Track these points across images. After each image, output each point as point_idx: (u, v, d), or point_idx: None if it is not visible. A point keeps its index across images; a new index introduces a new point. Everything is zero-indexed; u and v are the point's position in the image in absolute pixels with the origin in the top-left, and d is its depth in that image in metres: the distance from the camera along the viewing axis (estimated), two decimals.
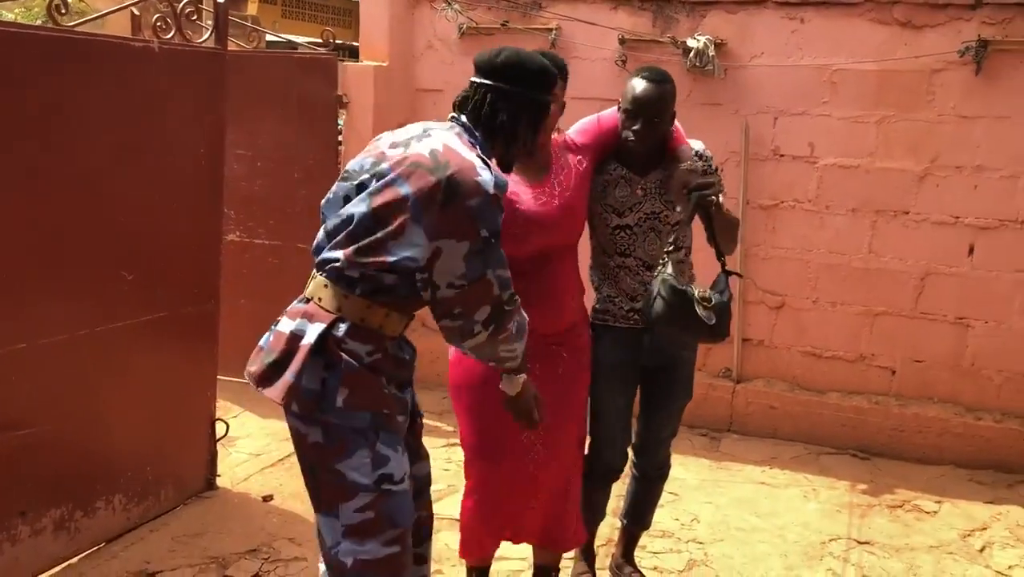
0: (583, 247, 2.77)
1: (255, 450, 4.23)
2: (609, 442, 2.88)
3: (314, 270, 2.13)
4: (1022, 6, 4.02)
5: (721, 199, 2.59)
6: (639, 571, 3.15)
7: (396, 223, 1.98)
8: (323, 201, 2.19)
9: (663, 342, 2.80)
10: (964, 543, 3.62)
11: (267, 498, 3.75)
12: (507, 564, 3.16)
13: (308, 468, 2.15)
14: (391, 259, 1.99)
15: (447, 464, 3.94)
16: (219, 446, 3.82)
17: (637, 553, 3.23)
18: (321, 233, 2.14)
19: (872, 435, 4.46)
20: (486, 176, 2.01)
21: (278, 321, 2.14)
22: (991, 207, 4.23)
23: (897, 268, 4.41)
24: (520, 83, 2.13)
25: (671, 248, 2.68)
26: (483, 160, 2.06)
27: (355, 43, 5.73)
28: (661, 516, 3.46)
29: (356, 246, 2.02)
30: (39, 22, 6.46)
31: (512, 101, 2.13)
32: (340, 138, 4.91)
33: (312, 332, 2.04)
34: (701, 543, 3.53)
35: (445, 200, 1.97)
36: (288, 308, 2.15)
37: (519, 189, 2.54)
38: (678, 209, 2.64)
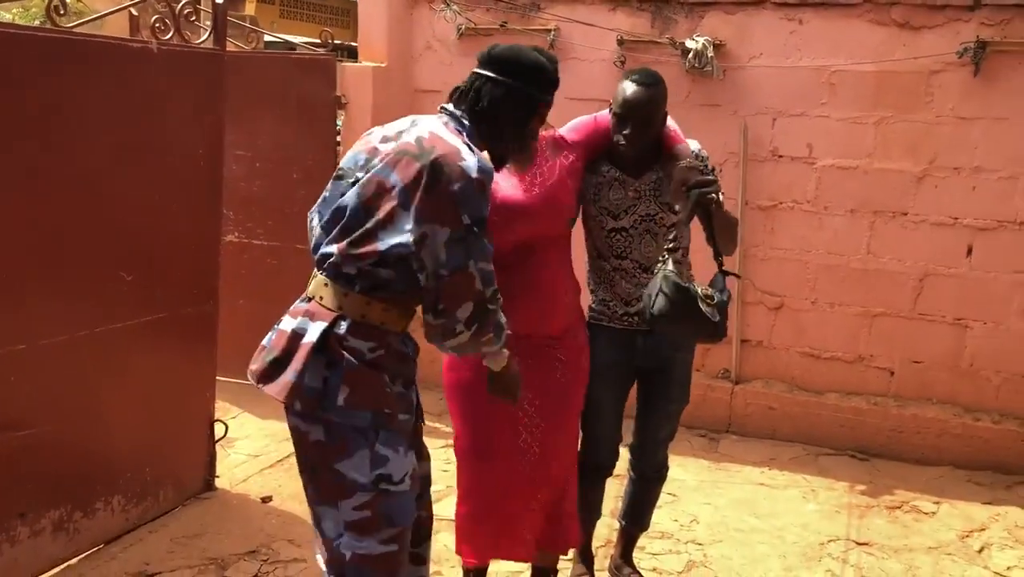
0: (579, 250, 2.77)
1: (254, 451, 4.22)
2: (601, 439, 2.89)
3: (315, 269, 2.14)
4: (1020, 7, 4.03)
5: (720, 198, 2.59)
6: (638, 572, 3.15)
7: (385, 212, 2.00)
8: (319, 201, 2.19)
9: (658, 344, 2.80)
10: (963, 544, 3.62)
11: (266, 499, 3.75)
12: (505, 565, 3.15)
13: (309, 467, 2.15)
14: (382, 247, 2.00)
15: (446, 465, 3.93)
16: (218, 447, 3.82)
17: (636, 554, 3.23)
18: (317, 230, 2.15)
19: (871, 436, 4.46)
20: (471, 161, 2.01)
21: (281, 320, 2.16)
22: (989, 208, 4.23)
23: (896, 269, 4.42)
24: (510, 74, 2.14)
25: (671, 245, 2.68)
26: (469, 146, 2.06)
27: (353, 43, 5.73)
28: (660, 517, 3.47)
29: (349, 239, 2.03)
30: (37, 23, 6.45)
31: (499, 89, 2.14)
32: (339, 139, 4.91)
33: (314, 330, 2.05)
34: (700, 544, 3.53)
35: (429, 184, 1.98)
36: (291, 308, 2.16)
37: (498, 177, 2.50)
38: (676, 208, 2.63)
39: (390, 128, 2.16)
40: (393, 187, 2.01)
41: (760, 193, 4.56)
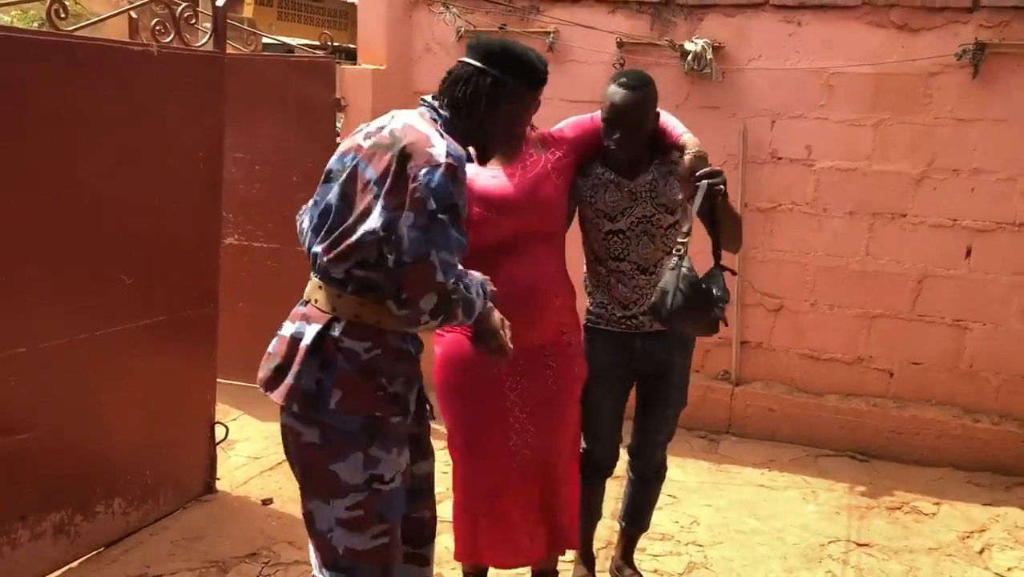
0: (577, 253, 2.76)
1: (254, 453, 4.22)
2: (600, 440, 2.90)
3: (311, 272, 2.15)
4: (1019, 9, 4.03)
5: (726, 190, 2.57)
6: (639, 573, 3.15)
7: (363, 205, 2.01)
8: (309, 204, 2.19)
9: (655, 347, 2.80)
10: (963, 545, 3.63)
11: (267, 501, 3.75)
12: None
13: (302, 467, 2.18)
14: (354, 238, 2.00)
15: (446, 466, 3.92)
16: (218, 449, 3.82)
17: (637, 556, 3.23)
18: (308, 232, 2.16)
19: (870, 437, 4.46)
20: (439, 147, 1.98)
21: (282, 326, 2.17)
22: (988, 209, 4.24)
23: (895, 270, 4.42)
24: (493, 64, 2.15)
25: (685, 240, 2.58)
26: (440, 134, 2.05)
27: (352, 46, 5.73)
28: (660, 518, 3.47)
29: (332, 237, 2.04)
30: (35, 25, 6.45)
31: (478, 77, 2.14)
32: (338, 141, 4.89)
33: (309, 333, 2.06)
34: (701, 545, 3.53)
35: (398, 170, 1.97)
36: (291, 312, 2.17)
37: (480, 170, 2.49)
38: (679, 196, 2.61)
39: (373, 125, 2.15)
40: (369, 181, 2.01)
41: (759, 195, 4.57)
